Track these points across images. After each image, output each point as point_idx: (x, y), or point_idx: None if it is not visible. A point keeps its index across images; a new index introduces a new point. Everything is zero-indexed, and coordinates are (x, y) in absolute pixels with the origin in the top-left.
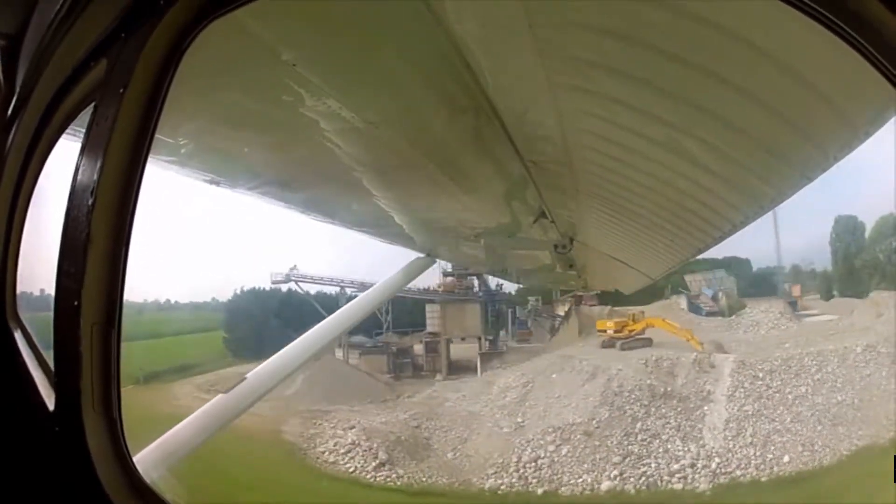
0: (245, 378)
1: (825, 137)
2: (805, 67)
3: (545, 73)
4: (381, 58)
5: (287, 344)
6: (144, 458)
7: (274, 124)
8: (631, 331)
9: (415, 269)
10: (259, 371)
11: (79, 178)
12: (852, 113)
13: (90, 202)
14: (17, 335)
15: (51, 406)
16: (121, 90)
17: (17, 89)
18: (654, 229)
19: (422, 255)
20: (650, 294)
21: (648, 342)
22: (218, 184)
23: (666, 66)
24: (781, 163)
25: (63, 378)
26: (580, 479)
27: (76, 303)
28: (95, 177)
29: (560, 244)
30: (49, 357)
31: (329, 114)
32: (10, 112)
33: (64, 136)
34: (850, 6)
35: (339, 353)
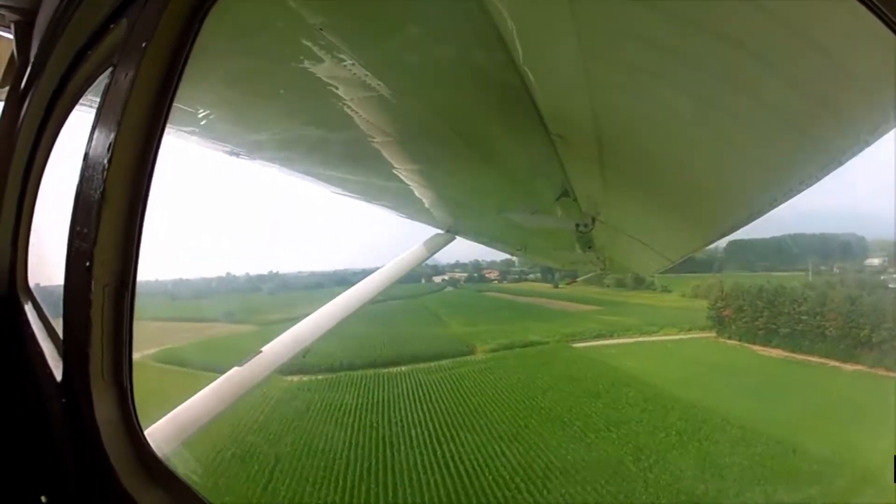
0: (261, 351)
1: (857, 120)
2: (839, 48)
3: (579, 45)
4: (410, 24)
5: None
6: (156, 432)
7: (296, 91)
8: None
9: (436, 244)
10: (275, 343)
11: (95, 135)
12: (884, 96)
13: (106, 160)
14: (28, 307)
15: (59, 377)
16: (142, 45)
17: (32, 60)
18: (679, 210)
19: (441, 230)
20: None
21: None
22: (238, 155)
23: (702, 41)
24: (813, 144)
25: (72, 344)
26: None
27: (88, 264)
28: (113, 134)
29: (582, 223)
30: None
31: (355, 81)
32: (23, 85)
33: (78, 107)
34: None
35: None
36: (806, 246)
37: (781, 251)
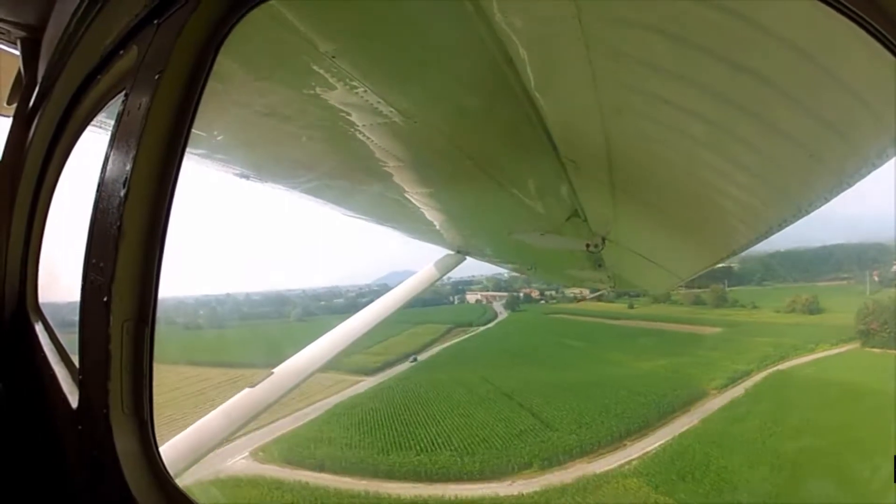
0: (272, 372)
1: (864, 143)
2: (846, 72)
3: (591, 71)
4: (421, 51)
5: None
6: (168, 453)
7: (309, 117)
8: None
9: (447, 265)
10: (287, 365)
11: (109, 167)
12: (891, 119)
13: (122, 193)
14: (38, 327)
15: (74, 403)
16: (156, 76)
17: (40, 81)
18: (689, 230)
19: (451, 251)
20: None
21: None
22: (248, 178)
23: (712, 66)
24: (821, 167)
25: (89, 377)
26: None
27: (105, 298)
28: (128, 167)
29: (592, 243)
30: (72, 350)
31: (367, 107)
32: (31, 105)
33: (89, 128)
34: (890, 9)
35: None
36: (848, 255)
37: (824, 261)
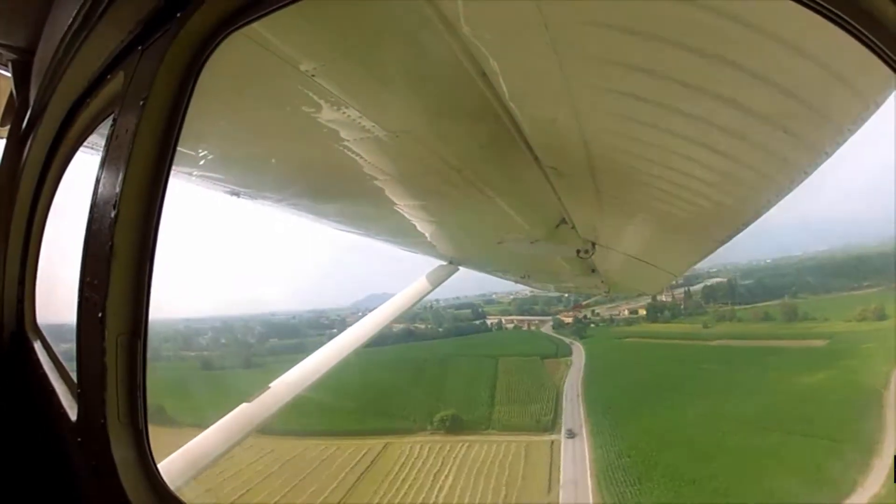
0: (269, 387)
1: (838, 112)
2: (813, 45)
3: (562, 75)
4: (398, 68)
5: None
6: (168, 467)
7: (294, 135)
8: None
9: (439, 276)
10: (283, 379)
11: (100, 190)
12: (861, 84)
13: (113, 214)
14: (37, 345)
15: (73, 416)
16: (140, 102)
17: (32, 103)
18: (677, 224)
19: (444, 262)
20: None
21: None
22: (238, 195)
23: (682, 58)
24: (798, 141)
25: (87, 389)
26: None
27: (100, 314)
28: (118, 189)
29: (582, 249)
30: (69, 367)
31: (349, 123)
32: (24, 126)
33: (81, 149)
34: None
35: None
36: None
37: (855, 269)
